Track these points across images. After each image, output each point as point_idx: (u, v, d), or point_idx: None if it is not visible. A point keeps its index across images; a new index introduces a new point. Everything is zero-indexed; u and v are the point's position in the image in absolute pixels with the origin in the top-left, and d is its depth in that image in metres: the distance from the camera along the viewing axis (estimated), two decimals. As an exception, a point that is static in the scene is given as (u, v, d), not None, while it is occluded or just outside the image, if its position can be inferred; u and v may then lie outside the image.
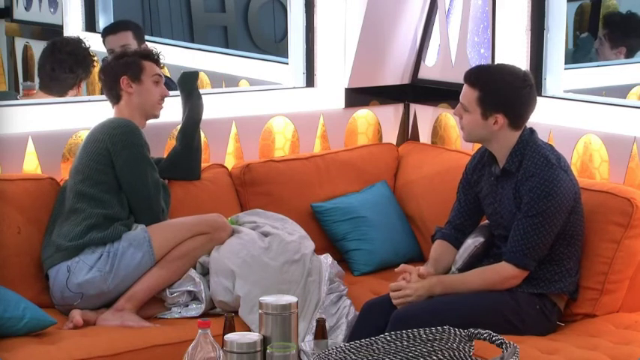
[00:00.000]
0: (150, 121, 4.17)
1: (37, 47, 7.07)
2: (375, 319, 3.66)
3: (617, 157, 4.04)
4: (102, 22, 6.67)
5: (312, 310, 3.91)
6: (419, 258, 4.44)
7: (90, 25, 6.68)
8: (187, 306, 3.92)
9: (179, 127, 4.30)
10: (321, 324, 3.20)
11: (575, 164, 4.16)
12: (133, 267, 3.87)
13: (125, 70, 4.08)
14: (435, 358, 2.88)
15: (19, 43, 7.45)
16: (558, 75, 4.37)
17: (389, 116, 5.04)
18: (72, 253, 3.87)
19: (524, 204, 3.60)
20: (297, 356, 3.04)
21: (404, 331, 2.93)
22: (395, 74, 4.99)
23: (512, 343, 2.80)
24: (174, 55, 5.77)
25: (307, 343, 3.77)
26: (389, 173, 4.76)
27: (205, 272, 3.98)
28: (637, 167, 3.98)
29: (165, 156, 4.35)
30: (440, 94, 4.82)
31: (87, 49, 4.97)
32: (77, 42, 5.03)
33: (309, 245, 4.11)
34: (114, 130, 3.99)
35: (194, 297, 3.93)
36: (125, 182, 3.97)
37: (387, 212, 4.56)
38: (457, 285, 3.67)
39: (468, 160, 3.94)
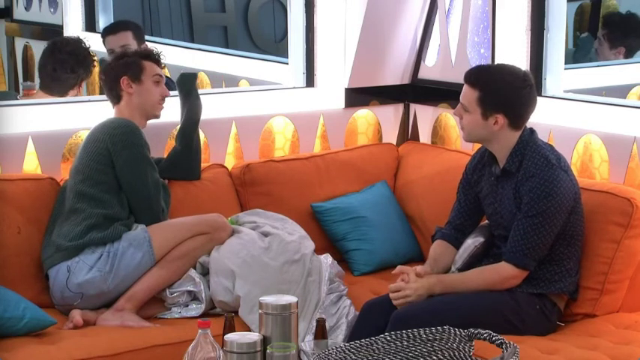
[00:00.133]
0: (150, 121, 4.17)
1: (37, 47, 7.08)
2: (375, 319, 3.66)
3: (617, 157, 4.04)
4: (102, 22, 6.67)
5: (312, 310, 3.91)
6: (419, 258, 4.44)
7: (90, 25, 6.68)
8: (187, 306, 3.92)
9: (178, 127, 4.30)
10: (321, 324, 3.20)
11: (575, 164, 4.16)
12: (133, 267, 3.87)
13: (125, 71, 4.08)
14: (435, 358, 2.88)
15: (19, 43, 7.45)
16: (558, 75, 4.37)
17: (389, 116, 5.04)
18: (72, 253, 3.87)
19: (524, 204, 3.60)
20: (297, 356, 3.04)
21: (404, 331, 2.93)
22: (395, 74, 4.99)
23: (512, 343, 2.80)
24: (174, 55, 5.77)
25: (307, 343, 3.77)
26: (389, 173, 4.76)
27: (205, 272, 3.98)
28: (637, 167, 3.98)
29: (165, 156, 4.36)
30: (440, 94, 4.82)
31: (87, 49, 4.98)
32: (77, 42, 5.03)
33: (309, 245, 4.11)
34: (114, 130, 3.99)
35: (194, 297, 3.93)
36: (125, 182, 3.97)
37: (387, 212, 4.56)
38: (457, 284, 3.67)
39: (468, 160, 3.94)
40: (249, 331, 3.62)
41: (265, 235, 4.10)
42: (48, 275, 3.92)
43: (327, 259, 4.11)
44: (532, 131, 3.73)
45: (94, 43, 5.22)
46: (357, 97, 4.95)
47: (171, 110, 4.27)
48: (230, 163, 4.62)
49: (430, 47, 4.97)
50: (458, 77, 3.79)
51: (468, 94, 3.69)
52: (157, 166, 4.11)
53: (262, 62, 5.57)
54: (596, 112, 4.19)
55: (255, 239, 4.03)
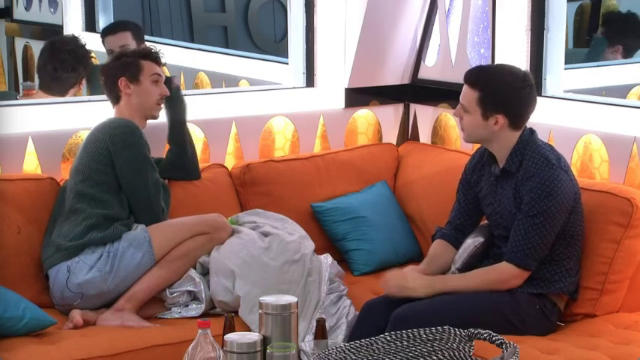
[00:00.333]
0: (150, 121, 4.17)
1: (37, 47, 7.06)
2: (375, 319, 3.66)
3: (617, 157, 4.04)
4: (102, 22, 6.67)
5: (312, 310, 3.91)
6: (419, 258, 4.43)
7: (90, 25, 6.68)
8: (187, 306, 3.92)
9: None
10: (321, 324, 3.20)
11: (575, 164, 4.16)
12: (133, 267, 3.87)
13: (123, 71, 4.08)
14: (435, 358, 2.88)
15: (19, 43, 7.45)
16: (558, 75, 4.37)
17: (389, 116, 5.04)
18: (72, 253, 3.87)
19: (524, 204, 3.60)
20: (297, 356, 3.04)
21: (404, 331, 2.93)
22: (395, 74, 4.99)
23: (512, 343, 2.80)
24: (174, 55, 5.77)
25: (307, 343, 3.77)
26: (389, 173, 4.76)
27: (205, 272, 3.98)
28: (637, 167, 3.98)
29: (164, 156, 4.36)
30: (440, 94, 4.82)
31: (84, 47, 4.99)
32: (75, 40, 5.04)
33: (309, 245, 4.11)
34: (114, 130, 3.99)
35: (194, 297, 3.93)
36: (125, 182, 3.97)
37: (387, 212, 4.56)
38: (458, 284, 3.66)
39: (467, 160, 3.94)
40: (249, 331, 3.62)
41: (265, 235, 4.10)
42: (48, 275, 3.92)
43: (327, 259, 4.11)
44: (532, 131, 3.73)
45: (94, 43, 5.22)
46: (357, 97, 4.95)
47: (172, 110, 4.28)
48: (230, 163, 4.62)
49: (430, 47, 4.97)
50: (458, 77, 3.79)
51: (467, 95, 3.69)
52: (156, 166, 4.11)
53: (262, 62, 5.57)
54: (596, 112, 4.19)
55: (255, 239, 4.03)
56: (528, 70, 4.26)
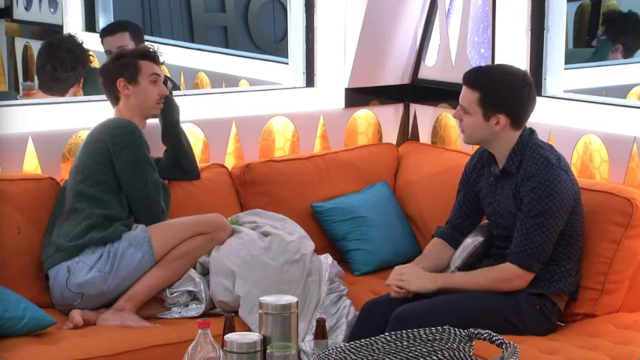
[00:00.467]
0: (150, 121, 4.17)
1: (37, 47, 7.04)
2: (375, 319, 3.66)
3: (617, 157, 4.04)
4: (102, 22, 6.67)
5: (312, 310, 3.91)
6: (419, 258, 4.44)
7: (90, 25, 6.68)
8: (187, 306, 3.92)
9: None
10: (321, 324, 3.20)
11: (575, 164, 4.16)
12: (133, 267, 3.87)
13: (121, 72, 4.08)
14: (435, 358, 2.88)
15: (19, 43, 7.45)
16: (558, 75, 4.37)
17: (389, 116, 5.04)
18: (72, 254, 3.87)
19: (525, 204, 3.60)
20: (297, 356, 3.04)
21: (404, 331, 2.93)
22: (395, 74, 4.99)
23: (512, 343, 2.80)
24: (174, 55, 5.77)
25: (307, 343, 3.77)
26: (389, 173, 4.76)
27: (205, 272, 3.98)
28: (637, 167, 3.98)
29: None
30: (440, 94, 4.82)
31: (82, 45, 4.99)
32: (72, 39, 5.05)
33: (309, 245, 4.11)
34: (114, 130, 3.99)
35: (194, 297, 3.93)
36: (125, 182, 3.97)
37: (387, 212, 4.56)
38: (461, 284, 3.66)
39: (467, 160, 3.94)
40: (249, 331, 3.62)
41: (265, 235, 4.10)
42: (48, 275, 3.92)
43: (327, 259, 4.11)
44: (532, 131, 3.73)
45: (94, 43, 5.22)
46: (357, 97, 4.95)
47: (172, 110, 4.28)
48: (230, 163, 4.62)
49: (430, 47, 4.97)
50: (458, 77, 3.79)
51: (467, 96, 3.68)
52: (156, 167, 4.11)
53: (262, 62, 5.57)
54: (596, 112, 4.19)
55: (255, 239, 4.03)
56: (528, 70, 4.26)
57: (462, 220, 3.88)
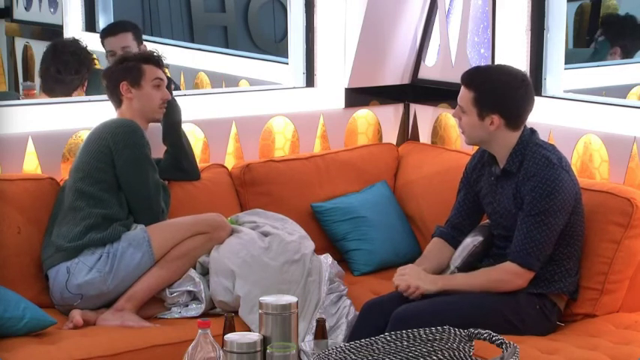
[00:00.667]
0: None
1: (37, 47, 7.08)
2: (375, 319, 3.66)
3: (617, 157, 4.04)
4: (102, 22, 6.67)
5: (312, 310, 3.91)
6: (419, 258, 4.43)
7: (90, 25, 6.68)
8: (187, 306, 3.92)
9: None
10: (321, 324, 3.20)
11: (575, 164, 4.16)
12: (132, 267, 3.87)
13: (125, 76, 4.08)
14: (435, 358, 2.88)
15: (19, 43, 7.46)
16: (558, 75, 4.37)
17: (389, 116, 5.04)
18: (71, 254, 3.87)
19: (526, 204, 3.60)
20: (297, 356, 3.04)
21: (404, 331, 2.93)
22: (395, 74, 4.99)
23: (512, 343, 2.80)
24: (174, 55, 5.77)
25: (307, 343, 3.77)
26: (389, 173, 4.76)
27: (205, 272, 3.98)
28: (637, 167, 3.98)
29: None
30: (440, 94, 4.82)
31: (85, 48, 5.00)
32: (76, 42, 5.06)
33: (309, 245, 4.11)
34: (116, 129, 3.99)
35: (194, 297, 3.93)
36: (125, 181, 3.97)
37: (387, 212, 4.56)
38: (462, 284, 3.66)
39: (468, 160, 3.94)
40: (249, 331, 3.62)
41: (265, 235, 4.10)
42: (48, 275, 3.92)
43: (327, 259, 4.11)
44: (532, 131, 3.73)
45: (94, 43, 5.22)
46: (357, 97, 4.95)
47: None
48: (230, 163, 4.62)
49: (430, 47, 4.97)
50: (458, 77, 3.79)
51: (464, 96, 3.69)
52: (157, 167, 4.11)
53: (262, 62, 5.57)
54: (596, 112, 4.19)
55: (255, 239, 4.03)
56: (528, 70, 4.26)
57: (462, 220, 3.89)
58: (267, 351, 3.00)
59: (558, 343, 3.52)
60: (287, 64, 4.99)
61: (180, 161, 4.26)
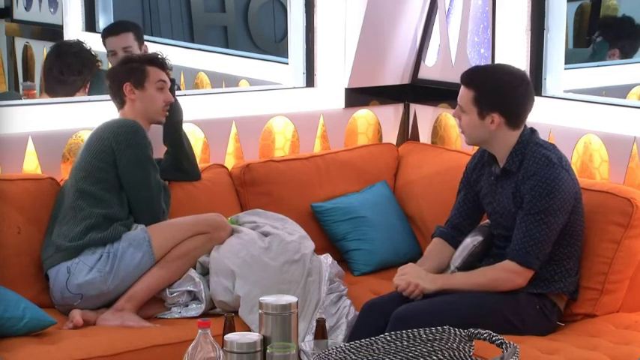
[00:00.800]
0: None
1: (37, 47, 7.09)
2: (375, 319, 3.66)
3: (617, 157, 4.04)
4: (102, 22, 6.67)
5: (312, 310, 3.91)
6: (419, 258, 4.42)
7: (90, 25, 6.68)
8: (187, 306, 3.92)
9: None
10: (321, 324, 3.20)
11: (575, 164, 4.16)
12: (132, 267, 3.87)
13: (128, 77, 4.08)
14: (435, 358, 2.88)
15: (19, 43, 7.46)
16: (558, 75, 4.37)
17: (389, 116, 5.05)
18: (72, 254, 3.87)
19: (525, 203, 3.60)
20: (297, 356, 3.04)
21: (404, 331, 2.93)
22: (395, 74, 4.99)
23: (512, 343, 2.80)
24: (175, 55, 5.76)
25: (307, 343, 3.77)
26: (389, 173, 4.76)
27: (205, 272, 3.98)
28: (637, 167, 3.98)
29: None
30: (440, 94, 4.83)
31: (89, 50, 5.00)
32: (79, 44, 5.06)
33: (309, 245, 4.11)
34: (119, 129, 3.99)
35: (194, 297, 3.93)
36: (127, 182, 3.97)
37: (387, 212, 4.56)
38: (461, 283, 3.66)
39: (468, 160, 3.94)
40: (249, 331, 3.62)
41: (265, 235, 4.10)
42: (48, 275, 3.92)
43: (327, 259, 4.11)
44: (533, 131, 3.73)
45: (94, 43, 5.22)
46: (357, 97, 4.95)
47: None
48: (230, 163, 4.62)
49: (430, 47, 4.97)
50: (458, 77, 3.79)
51: (464, 95, 3.69)
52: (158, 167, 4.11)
53: (262, 62, 5.57)
54: (596, 112, 4.19)
55: (255, 239, 4.03)
56: (528, 70, 4.26)
57: (462, 220, 3.89)
58: (267, 351, 3.00)
59: (558, 343, 3.52)
60: (287, 64, 4.99)
61: (180, 161, 4.26)
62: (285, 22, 6.19)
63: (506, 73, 3.70)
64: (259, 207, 4.35)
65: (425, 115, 4.95)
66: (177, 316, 3.90)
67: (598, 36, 5.86)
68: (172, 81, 4.24)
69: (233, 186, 4.44)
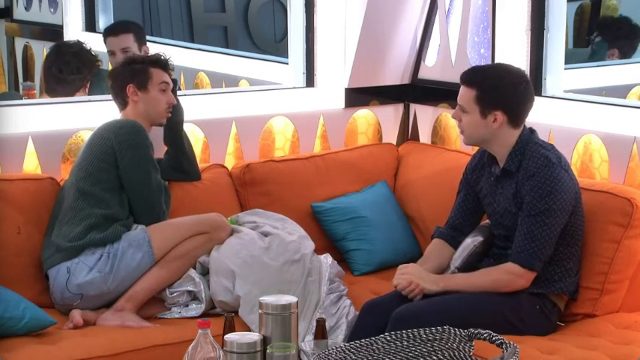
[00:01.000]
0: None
1: (37, 47, 7.08)
2: (375, 319, 3.66)
3: (617, 157, 4.04)
4: (102, 22, 6.67)
5: (312, 310, 3.91)
6: (419, 258, 4.41)
7: (90, 25, 6.68)
8: (187, 306, 3.92)
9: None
10: (321, 324, 3.20)
11: (575, 164, 4.17)
12: (132, 267, 3.87)
13: (132, 78, 4.08)
14: (435, 358, 2.88)
15: (19, 43, 7.46)
16: (558, 75, 4.37)
17: (389, 116, 5.05)
18: (72, 254, 3.87)
19: (526, 204, 3.60)
20: (297, 356, 3.04)
21: (404, 331, 2.93)
22: (395, 74, 4.99)
23: (512, 343, 2.80)
24: (175, 55, 5.76)
25: (307, 343, 3.77)
26: (389, 173, 4.76)
27: (205, 272, 3.98)
28: (637, 167, 3.98)
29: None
30: (440, 94, 4.83)
31: (89, 50, 5.00)
32: (79, 44, 5.06)
33: (309, 245, 4.11)
34: (120, 129, 3.99)
35: (194, 297, 3.93)
36: (128, 182, 3.97)
37: (387, 212, 4.56)
38: (463, 284, 3.66)
39: (468, 160, 3.94)
40: (249, 331, 3.63)
41: (265, 235, 4.10)
42: (48, 275, 3.92)
43: (327, 259, 4.11)
44: (532, 131, 3.73)
45: (94, 43, 5.23)
46: (357, 97, 4.95)
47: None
48: (230, 163, 4.62)
49: (430, 47, 4.97)
50: (458, 77, 3.79)
51: (465, 95, 3.69)
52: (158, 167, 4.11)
53: (262, 62, 5.57)
54: (596, 112, 4.19)
55: (255, 239, 4.03)
56: (528, 70, 4.26)
57: (462, 221, 3.88)
58: (267, 351, 3.00)
59: (558, 343, 3.52)
60: (287, 64, 4.99)
61: (180, 162, 4.26)
62: (285, 22, 6.19)
63: (506, 71, 3.71)
64: (259, 207, 4.35)
65: (425, 115, 4.95)
66: (177, 316, 3.90)
67: (597, 36, 5.86)
68: (174, 82, 4.24)
69: (233, 186, 4.44)
